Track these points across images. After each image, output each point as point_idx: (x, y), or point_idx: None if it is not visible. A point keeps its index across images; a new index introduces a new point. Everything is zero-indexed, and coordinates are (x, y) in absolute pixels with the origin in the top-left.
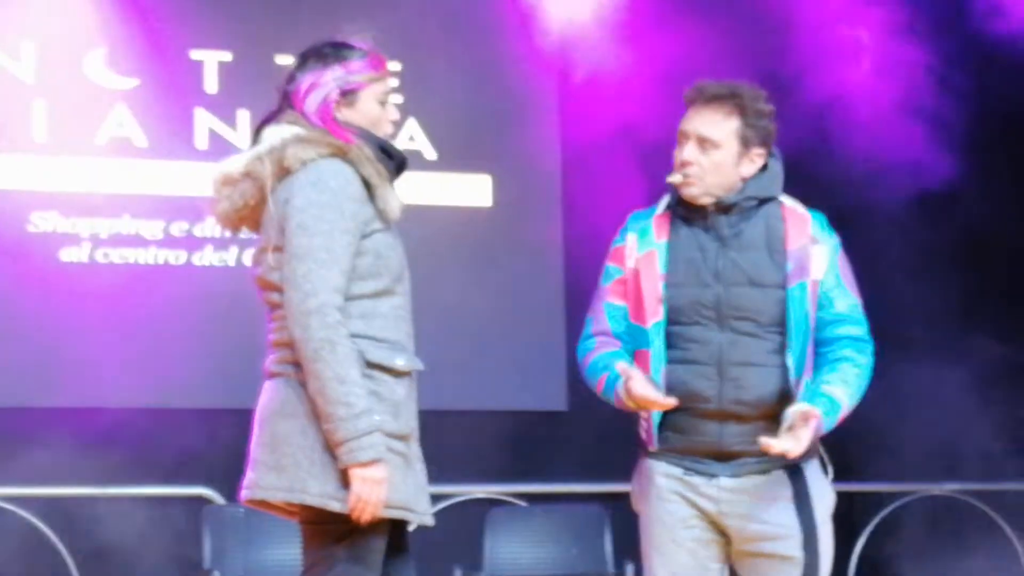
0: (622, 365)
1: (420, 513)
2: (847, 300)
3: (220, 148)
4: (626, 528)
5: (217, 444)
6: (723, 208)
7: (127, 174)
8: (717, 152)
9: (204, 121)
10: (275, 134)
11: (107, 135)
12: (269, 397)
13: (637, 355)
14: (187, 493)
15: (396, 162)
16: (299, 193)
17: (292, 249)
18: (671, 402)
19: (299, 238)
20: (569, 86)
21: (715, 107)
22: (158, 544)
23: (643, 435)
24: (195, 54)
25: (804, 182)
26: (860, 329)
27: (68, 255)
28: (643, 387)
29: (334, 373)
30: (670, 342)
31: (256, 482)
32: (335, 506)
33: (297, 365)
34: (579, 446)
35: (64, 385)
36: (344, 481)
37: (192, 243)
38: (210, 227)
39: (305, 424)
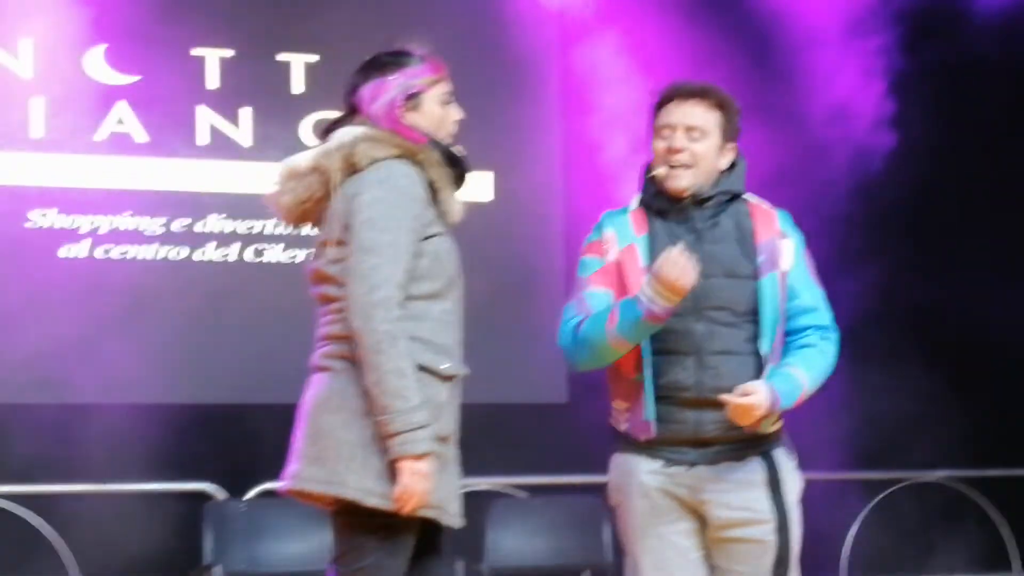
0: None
1: (451, 515)
2: (813, 292)
3: (221, 145)
4: None
5: (218, 439)
6: (699, 202)
7: (127, 171)
8: (705, 140)
9: (205, 118)
10: (346, 133)
11: (107, 131)
12: (315, 391)
13: None
14: (188, 489)
15: (459, 170)
16: (368, 190)
17: (359, 243)
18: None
19: (367, 232)
20: (570, 81)
21: (698, 100)
22: (159, 540)
23: (626, 427)
24: (196, 51)
25: None
26: (825, 318)
27: (67, 252)
28: (674, 267)
29: (394, 366)
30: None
31: (298, 473)
32: (372, 501)
33: (345, 359)
34: (579, 438)
35: (63, 382)
36: (382, 477)
37: (193, 239)
38: (211, 223)
39: (348, 419)
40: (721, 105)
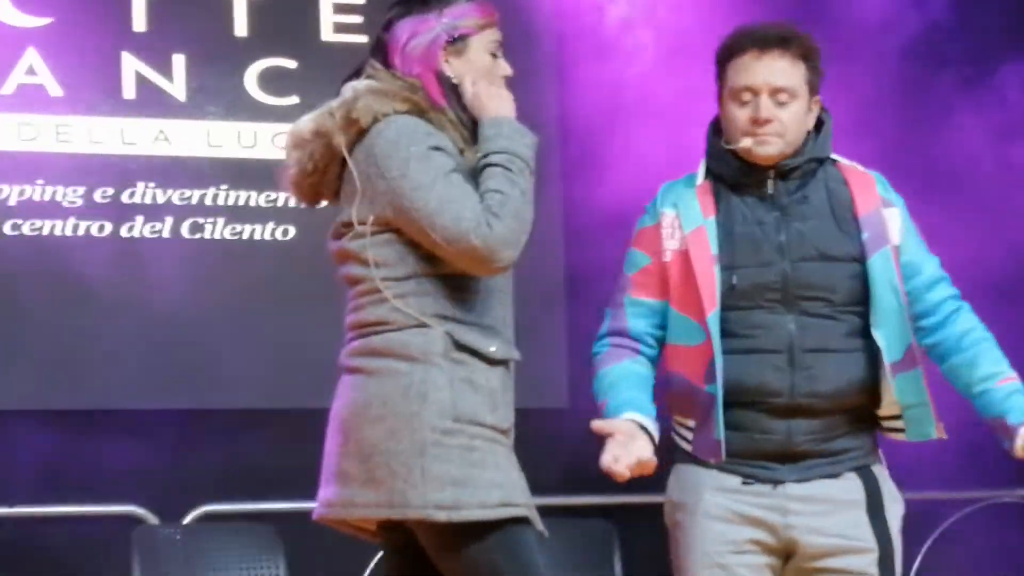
0: (612, 424)
1: (536, 518)
2: (932, 261)
3: (151, 98)
4: (636, 545)
5: (149, 453)
6: (782, 173)
7: (39, 130)
8: (794, 103)
9: (131, 67)
10: (350, 88)
11: (14, 84)
12: (350, 398)
13: (676, 352)
14: (113, 512)
15: None
16: (390, 162)
17: (423, 211)
18: (650, 465)
19: (421, 198)
20: (567, 53)
21: (781, 51)
22: (79, 572)
23: (691, 447)
24: None
25: None
26: (952, 286)
27: None
28: (613, 459)
29: (520, 196)
30: (726, 330)
31: (350, 499)
32: (440, 516)
33: (380, 355)
34: (579, 446)
35: None
36: (446, 485)
37: (119, 211)
38: (140, 192)
39: (394, 426)
40: (806, 54)
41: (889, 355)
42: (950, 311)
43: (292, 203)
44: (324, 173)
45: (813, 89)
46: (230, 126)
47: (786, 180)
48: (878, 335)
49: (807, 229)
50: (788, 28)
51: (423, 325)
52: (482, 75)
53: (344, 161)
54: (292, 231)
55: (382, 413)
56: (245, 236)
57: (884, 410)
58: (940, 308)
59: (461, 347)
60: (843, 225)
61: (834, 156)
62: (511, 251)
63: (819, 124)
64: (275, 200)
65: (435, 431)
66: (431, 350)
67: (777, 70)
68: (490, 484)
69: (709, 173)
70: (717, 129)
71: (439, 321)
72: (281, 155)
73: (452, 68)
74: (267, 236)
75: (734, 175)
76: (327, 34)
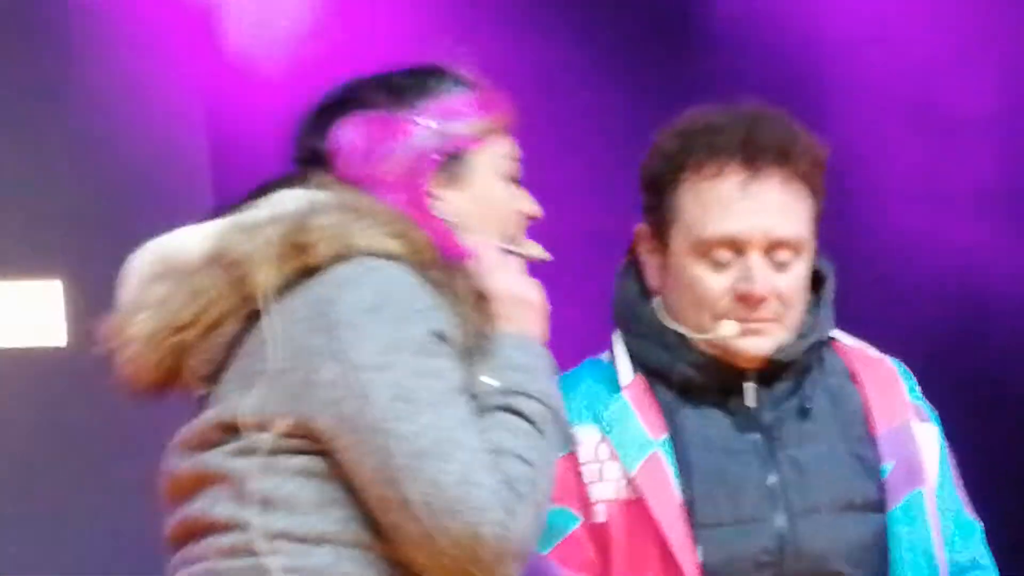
0: None
1: None
2: (963, 509)
3: None
4: None
5: None
6: (769, 374)
7: None
8: (799, 262)
9: None
10: (291, 199)
11: None
12: None
13: None
14: None
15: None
16: (358, 338)
17: (400, 448)
18: None
19: (404, 421)
20: None
21: (783, 172)
22: None
23: None
24: None
25: None
26: (985, 551)
27: None
28: None
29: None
30: None
31: None
32: None
33: None
34: None
35: None
36: None
37: None
38: None
39: None
40: (808, 173)
41: None
42: None
43: None
44: (207, 333)
45: (817, 230)
46: None
47: (772, 385)
48: None
49: (810, 461)
50: (779, 119)
51: None
52: (494, 221)
53: (249, 319)
54: None
55: None
56: None
57: None
58: None
59: None
60: (858, 450)
61: (833, 333)
62: (518, 563)
63: (815, 278)
64: None
65: None
66: None
67: (784, 209)
68: None
69: (636, 362)
70: (640, 283)
71: None
72: None
73: (445, 206)
74: None
75: (688, 375)
76: None
